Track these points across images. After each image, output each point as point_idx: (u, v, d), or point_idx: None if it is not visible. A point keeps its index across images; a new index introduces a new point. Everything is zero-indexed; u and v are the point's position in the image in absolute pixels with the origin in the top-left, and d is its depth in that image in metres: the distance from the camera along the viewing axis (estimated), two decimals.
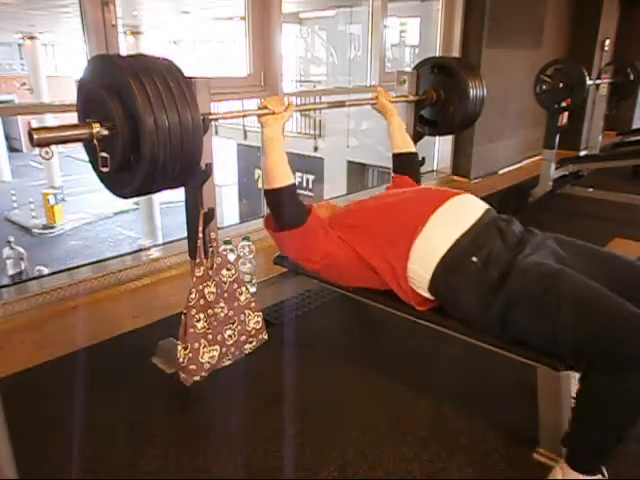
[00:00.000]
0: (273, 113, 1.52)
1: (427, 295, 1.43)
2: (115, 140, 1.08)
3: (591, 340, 1.15)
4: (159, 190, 1.22)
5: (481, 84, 2.23)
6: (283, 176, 1.50)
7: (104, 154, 1.10)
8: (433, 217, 1.42)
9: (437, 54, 4.00)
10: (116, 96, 1.05)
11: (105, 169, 1.12)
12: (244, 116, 1.54)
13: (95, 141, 1.09)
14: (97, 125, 1.08)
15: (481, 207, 1.50)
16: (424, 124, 2.34)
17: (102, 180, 1.23)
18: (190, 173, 1.20)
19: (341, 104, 1.83)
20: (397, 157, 1.98)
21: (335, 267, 1.57)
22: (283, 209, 1.52)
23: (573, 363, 1.21)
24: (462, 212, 1.46)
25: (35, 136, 1.00)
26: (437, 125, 2.33)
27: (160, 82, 1.06)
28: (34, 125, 1.10)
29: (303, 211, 1.54)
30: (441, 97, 2.23)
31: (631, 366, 1.10)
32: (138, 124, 1.03)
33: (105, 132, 1.08)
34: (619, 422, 1.15)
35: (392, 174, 1.99)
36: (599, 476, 1.20)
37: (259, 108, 1.55)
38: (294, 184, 1.52)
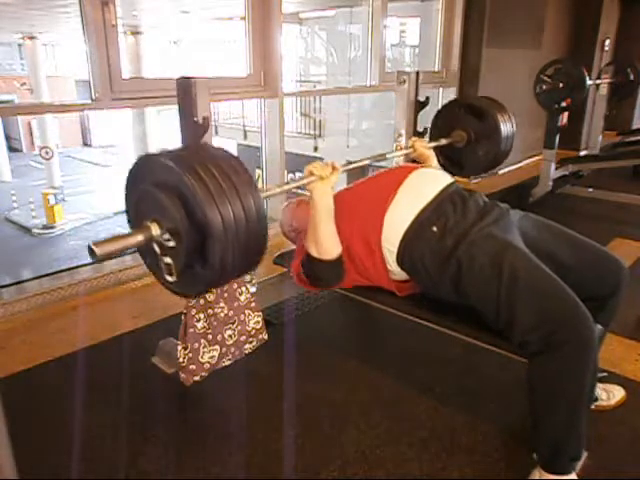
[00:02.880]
0: (320, 178, 1.42)
1: (398, 270, 1.46)
2: (177, 240, 0.98)
3: (523, 315, 1.20)
4: (227, 282, 1.22)
5: (512, 127, 2.10)
6: (334, 247, 1.44)
7: (168, 260, 1.01)
8: (399, 191, 1.48)
9: (438, 55, 4.00)
10: (172, 193, 0.95)
11: (171, 277, 1.02)
12: (297, 187, 1.47)
13: (155, 244, 1.00)
14: (155, 225, 0.98)
15: (444, 179, 1.55)
16: (448, 163, 2.20)
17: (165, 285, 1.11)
18: (260, 255, 1.08)
19: (382, 157, 1.86)
20: None
21: None
22: (329, 277, 1.50)
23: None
24: (425, 185, 1.51)
25: (97, 250, 0.93)
26: (462, 166, 2.19)
27: (217, 170, 0.96)
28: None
29: (343, 266, 1.49)
30: (471, 139, 2.12)
31: (558, 343, 1.14)
32: (202, 220, 0.93)
33: (166, 232, 0.98)
34: (563, 405, 1.16)
35: None
36: (573, 476, 1.20)
37: (304, 177, 1.44)
38: (341, 252, 1.46)
